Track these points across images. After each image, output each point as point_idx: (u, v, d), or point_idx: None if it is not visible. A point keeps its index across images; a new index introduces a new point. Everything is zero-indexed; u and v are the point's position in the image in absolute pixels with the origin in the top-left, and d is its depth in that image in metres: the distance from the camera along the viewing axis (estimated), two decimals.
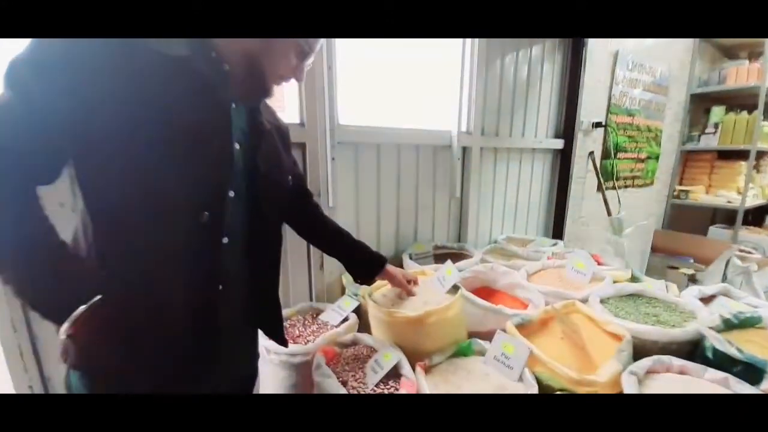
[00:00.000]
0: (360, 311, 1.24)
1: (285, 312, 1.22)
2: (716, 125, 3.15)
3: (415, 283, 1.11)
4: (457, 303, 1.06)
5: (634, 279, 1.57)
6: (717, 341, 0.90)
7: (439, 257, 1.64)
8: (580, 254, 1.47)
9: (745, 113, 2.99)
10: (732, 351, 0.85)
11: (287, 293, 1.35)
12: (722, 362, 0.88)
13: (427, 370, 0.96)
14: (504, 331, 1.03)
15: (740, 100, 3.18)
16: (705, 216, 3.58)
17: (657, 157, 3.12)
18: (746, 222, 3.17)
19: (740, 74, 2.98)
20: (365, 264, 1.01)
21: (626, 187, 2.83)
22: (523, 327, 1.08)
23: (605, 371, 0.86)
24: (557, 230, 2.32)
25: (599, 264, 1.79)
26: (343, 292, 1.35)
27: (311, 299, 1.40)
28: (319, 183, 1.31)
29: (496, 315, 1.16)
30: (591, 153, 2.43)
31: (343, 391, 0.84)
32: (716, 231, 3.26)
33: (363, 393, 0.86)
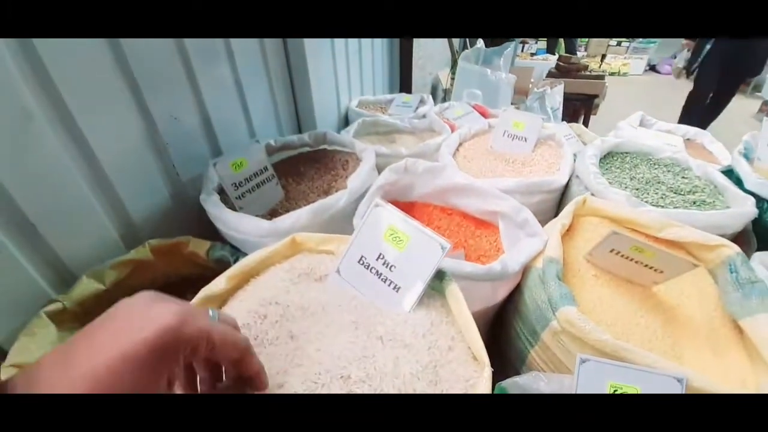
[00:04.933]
0: None
1: None
2: None
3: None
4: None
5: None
6: None
7: (290, 171, 0.76)
8: (510, 111, 0.91)
9: None
10: None
11: None
12: None
13: None
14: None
15: None
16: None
17: None
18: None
19: None
20: None
21: None
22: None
23: None
24: (405, 81, 1.71)
25: (486, 116, 1.35)
26: None
27: None
28: None
29: (493, 283, 0.51)
30: None
31: None
32: None
33: None
